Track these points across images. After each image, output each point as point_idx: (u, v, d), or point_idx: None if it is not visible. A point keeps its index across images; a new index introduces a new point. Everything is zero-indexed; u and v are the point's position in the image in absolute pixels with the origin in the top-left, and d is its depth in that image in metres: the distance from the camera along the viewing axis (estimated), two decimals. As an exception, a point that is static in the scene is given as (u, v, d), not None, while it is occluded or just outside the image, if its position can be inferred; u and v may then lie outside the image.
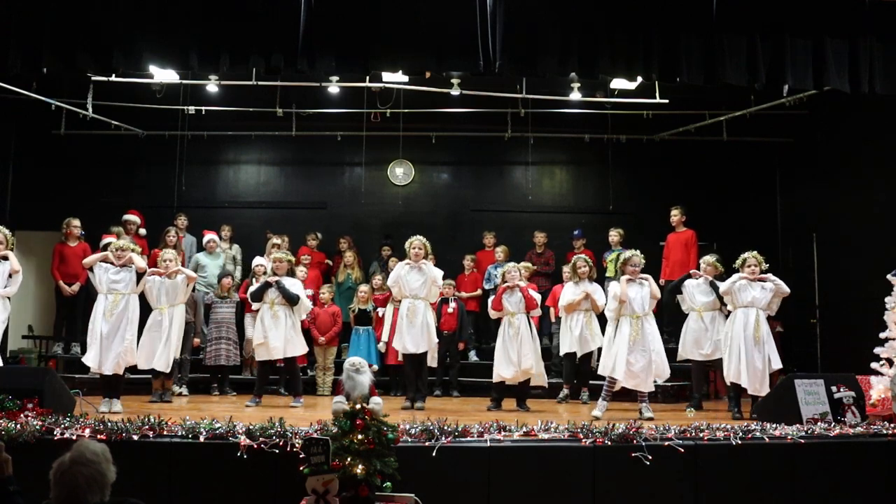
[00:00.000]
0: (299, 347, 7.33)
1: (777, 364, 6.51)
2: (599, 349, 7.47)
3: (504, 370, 7.17)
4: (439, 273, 7.33)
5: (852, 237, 8.86)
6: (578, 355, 7.74)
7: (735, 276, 6.67)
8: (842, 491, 4.89)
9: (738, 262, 6.82)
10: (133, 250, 6.78)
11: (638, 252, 6.78)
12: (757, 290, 6.58)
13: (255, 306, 7.42)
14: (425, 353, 7.24)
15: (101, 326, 6.42)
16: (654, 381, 6.73)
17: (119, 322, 6.45)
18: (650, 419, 6.02)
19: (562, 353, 7.93)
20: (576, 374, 8.02)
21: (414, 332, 7.08)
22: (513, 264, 7.57)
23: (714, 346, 7.03)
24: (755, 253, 6.75)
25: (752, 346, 6.43)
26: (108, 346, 6.40)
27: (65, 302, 8.54)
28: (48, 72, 6.17)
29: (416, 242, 7.27)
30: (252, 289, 7.50)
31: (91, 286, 8.25)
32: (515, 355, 7.11)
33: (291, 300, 7.20)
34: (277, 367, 7.76)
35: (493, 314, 7.43)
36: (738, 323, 6.53)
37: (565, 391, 7.93)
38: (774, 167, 10.73)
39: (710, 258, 7.35)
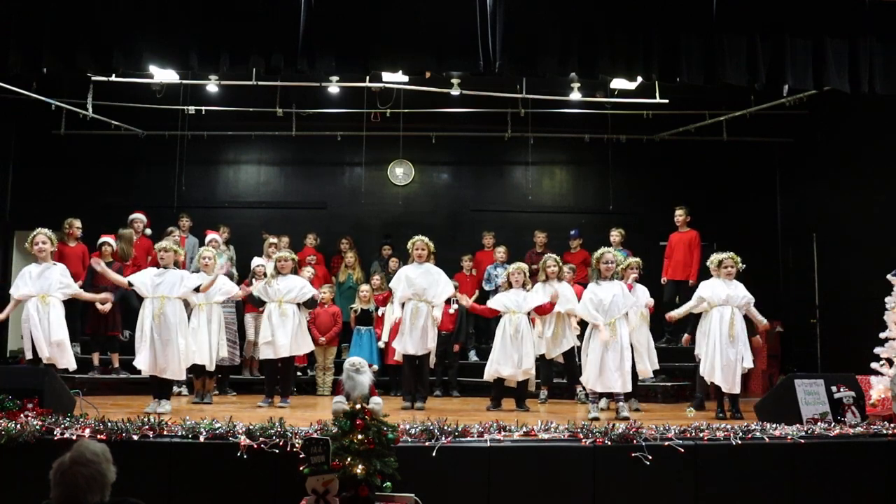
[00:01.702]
0: (305, 346, 7.34)
1: (748, 363, 6.54)
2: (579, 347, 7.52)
3: (504, 368, 7.15)
4: (445, 277, 7.34)
5: (852, 237, 8.87)
6: (551, 356, 7.71)
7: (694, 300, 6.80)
8: (842, 491, 4.89)
9: (714, 262, 6.86)
10: (176, 251, 6.83)
11: (611, 249, 6.75)
12: (731, 289, 6.62)
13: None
14: (426, 355, 7.24)
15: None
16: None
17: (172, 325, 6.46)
18: (626, 419, 5.95)
19: (536, 353, 7.89)
20: (555, 375, 8.08)
21: (416, 333, 7.08)
22: (516, 266, 7.52)
23: None
24: (732, 254, 6.78)
25: (727, 344, 6.48)
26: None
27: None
28: (48, 72, 6.16)
29: (419, 243, 7.27)
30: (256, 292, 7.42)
31: (89, 287, 8.30)
32: (517, 354, 7.11)
33: (309, 306, 7.40)
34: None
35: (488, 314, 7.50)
36: (713, 321, 6.59)
37: (545, 392, 7.93)
38: (774, 167, 10.74)
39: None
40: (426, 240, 7.33)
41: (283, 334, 7.10)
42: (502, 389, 7.25)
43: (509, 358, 7.10)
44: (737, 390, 6.49)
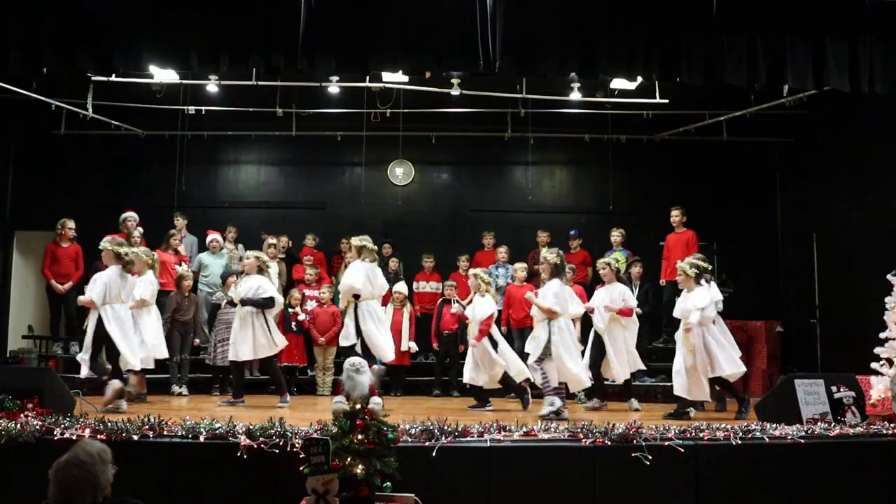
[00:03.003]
0: (268, 349, 7.26)
1: (720, 371, 6.41)
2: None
3: (479, 377, 7.29)
4: (354, 274, 7.35)
5: (852, 237, 8.87)
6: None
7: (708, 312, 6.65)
8: (842, 491, 4.89)
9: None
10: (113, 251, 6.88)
11: (556, 251, 6.75)
12: (683, 301, 6.60)
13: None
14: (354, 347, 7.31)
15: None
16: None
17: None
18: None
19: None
20: None
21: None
22: (472, 272, 7.62)
23: None
24: (681, 263, 6.77)
25: (686, 355, 6.47)
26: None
27: (55, 301, 8.54)
28: (48, 72, 6.16)
29: (344, 246, 7.42)
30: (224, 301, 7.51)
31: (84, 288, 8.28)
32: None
33: (265, 306, 7.22)
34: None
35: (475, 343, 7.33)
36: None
37: (582, 395, 7.92)
38: (774, 167, 10.74)
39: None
40: (355, 240, 7.49)
41: (242, 338, 7.14)
42: (481, 390, 7.36)
43: (477, 366, 7.26)
44: (705, 398, 6.58)
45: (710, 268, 6.85)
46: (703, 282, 6.67)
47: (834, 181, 9.36)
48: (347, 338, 7.41)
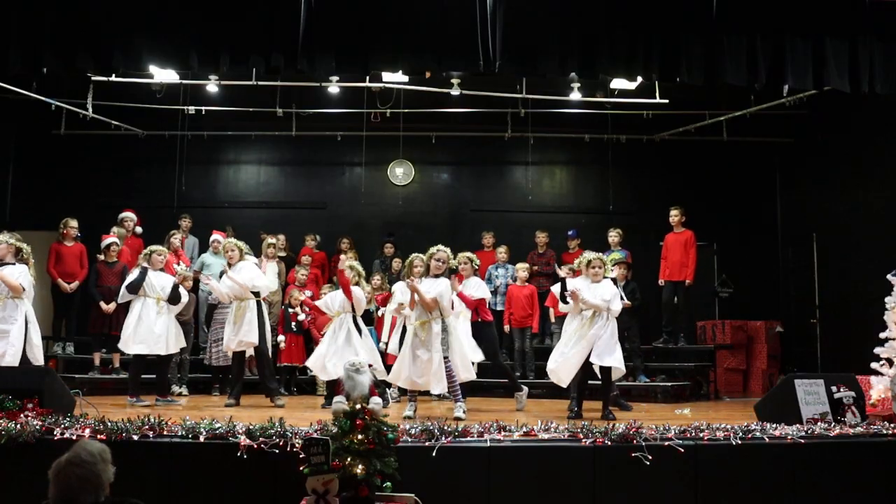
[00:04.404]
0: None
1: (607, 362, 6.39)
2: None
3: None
4: (252, 272, 7.34)
5: (852, 237, 8.87)
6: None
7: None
8: (842, 491, 4.88)
9: (583, 262, 6.68)
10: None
11: (446, 249, 6.56)
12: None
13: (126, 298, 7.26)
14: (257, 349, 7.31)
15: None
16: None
17: None
18: (459, 419, 5.91)
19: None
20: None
21: (242, 328, 7.18)
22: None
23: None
24: (600, 255, 6.70)
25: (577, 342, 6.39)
26: None
27: (62, 301, 8.53)
28: (48, 72, 6.17)
29: (230, 245, 7.36)
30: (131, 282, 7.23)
31: (87, 287, 8.29)
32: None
33: (174, 301, 7.28)
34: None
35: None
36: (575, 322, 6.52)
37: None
38: (774, 167, 10.75)
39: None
40: (237, 242, 7.45)
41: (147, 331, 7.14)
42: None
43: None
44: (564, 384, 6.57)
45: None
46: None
47: (834, 181, 9.36)
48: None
